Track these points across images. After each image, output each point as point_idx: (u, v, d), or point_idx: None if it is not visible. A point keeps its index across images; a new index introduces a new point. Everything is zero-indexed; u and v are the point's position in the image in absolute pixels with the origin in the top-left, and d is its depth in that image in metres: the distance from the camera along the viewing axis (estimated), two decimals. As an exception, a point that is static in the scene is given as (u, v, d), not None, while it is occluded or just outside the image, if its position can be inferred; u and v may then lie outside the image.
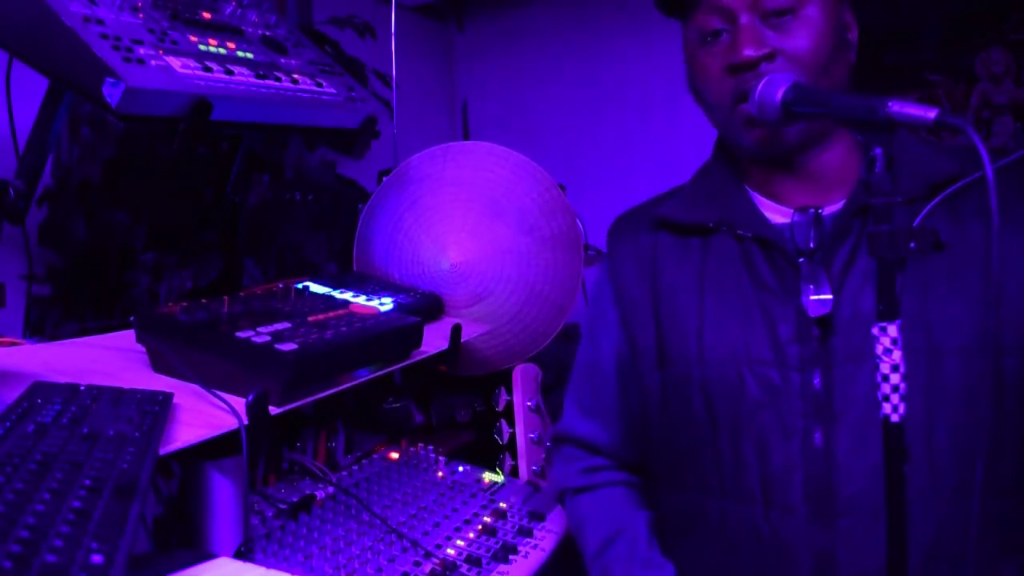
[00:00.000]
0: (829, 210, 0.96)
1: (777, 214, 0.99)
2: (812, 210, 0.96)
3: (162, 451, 0.81)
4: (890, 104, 0.70)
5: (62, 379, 0.90)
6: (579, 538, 1.11)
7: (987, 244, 0.90)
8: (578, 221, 1.65)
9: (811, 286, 0.92)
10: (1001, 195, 0.91)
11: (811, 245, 0.94)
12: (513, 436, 1.53)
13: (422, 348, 1.29)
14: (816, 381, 0.91)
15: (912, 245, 0.69)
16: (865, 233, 0.93)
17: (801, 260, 0.94)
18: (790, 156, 0.97)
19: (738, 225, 0.99)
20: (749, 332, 0.95)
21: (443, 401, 1.76)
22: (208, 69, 1.13)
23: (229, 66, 1.17)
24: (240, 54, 1.24)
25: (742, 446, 0.94)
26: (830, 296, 0.92)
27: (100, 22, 1.06)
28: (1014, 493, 0.90)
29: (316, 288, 1.43)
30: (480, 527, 1.23)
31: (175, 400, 0.91)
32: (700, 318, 0.98)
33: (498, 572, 1.12)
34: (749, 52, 0.91)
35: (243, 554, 0.99)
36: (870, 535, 0.88)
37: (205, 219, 1.75)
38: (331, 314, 1.19)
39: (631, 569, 1.01)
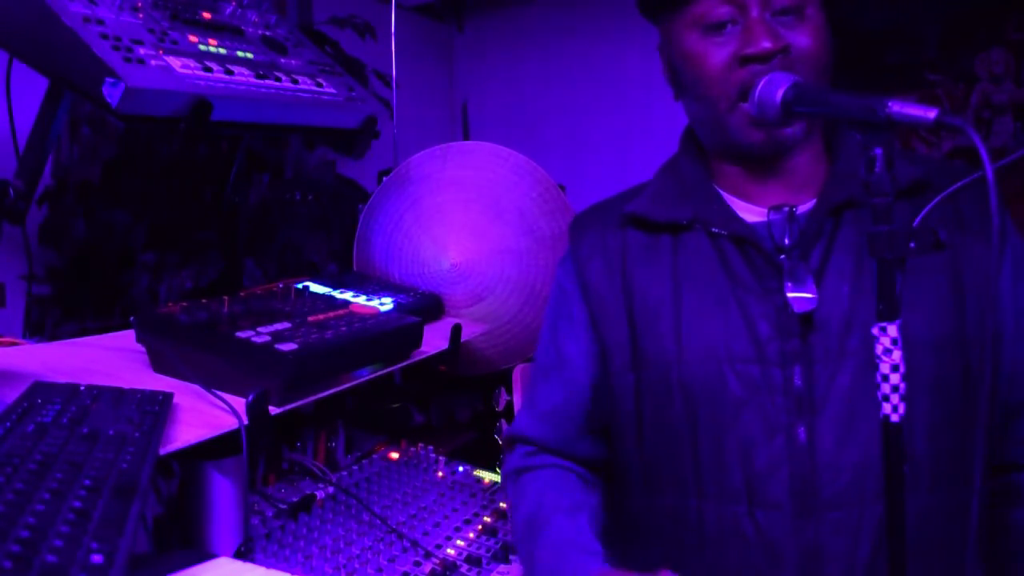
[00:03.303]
0: (800, 210, 0.97)
1: (748, 213, 0.99)
2: (787, 208, 0.96)
3: (162, 451, 0.81)
4: (890, 104, 0.70)
5: (62, 379, 0.91)
6: (512, 515, 1.06)
7: (951, 249, 0.92)
8: (578, 221, 1.65)
9: (789, 283, 0.93)
10: (962, 208, 0.94)
11: (787, 243, 0.95)
12: (513, 436, 1.52)
13: (422, 348, 1.29)
14: (797, 377, 0.92)
15: (912, 245, 0.69)
16: (838, 233, 0.95)
17: (782, 257, 0.94)
18: (777, 156, 0.98)
19: (712, 223, 0.98)
20: (728, 330, 0.95)
21: (443, 401, 1.76)
22: (208, 69, 1.13)
23: (229, 66, 1.17)
24: (240, 54, 1.24)
25: (724, 445, 0.94)
26: (813, 295, 0.92)
27: (100, 22, 1.06)
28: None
29: (316, 288, 1.43)
30: (480, 527, 1.23)
31: (175, 400, 0.91)
32: (677, 317, 0.97)
33: (498, 572, 1.12)
34: (767, 43, 0.89)
35: (243, 554, 0.99)
36: (858, 525, 0.89)
37: (205, 219, 1.75)
38: (331, 314, 1.19)
39: (563, 550, 0.95)
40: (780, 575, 0.91)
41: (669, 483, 0.98)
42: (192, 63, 1.12)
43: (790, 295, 0.92)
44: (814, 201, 0.98)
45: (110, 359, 1.10)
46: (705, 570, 0.95)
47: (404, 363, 1.27)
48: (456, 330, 1.41)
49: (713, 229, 0.98)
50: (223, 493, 1.02)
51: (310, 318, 1.15)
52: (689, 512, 0.96)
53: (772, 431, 0.92)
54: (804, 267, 0.93)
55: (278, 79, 1.25)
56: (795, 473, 0.91)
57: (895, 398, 0.71)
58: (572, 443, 1.08)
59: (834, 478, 0.90)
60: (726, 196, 1.01)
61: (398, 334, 1.23)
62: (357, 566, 1.06)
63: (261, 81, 1.20)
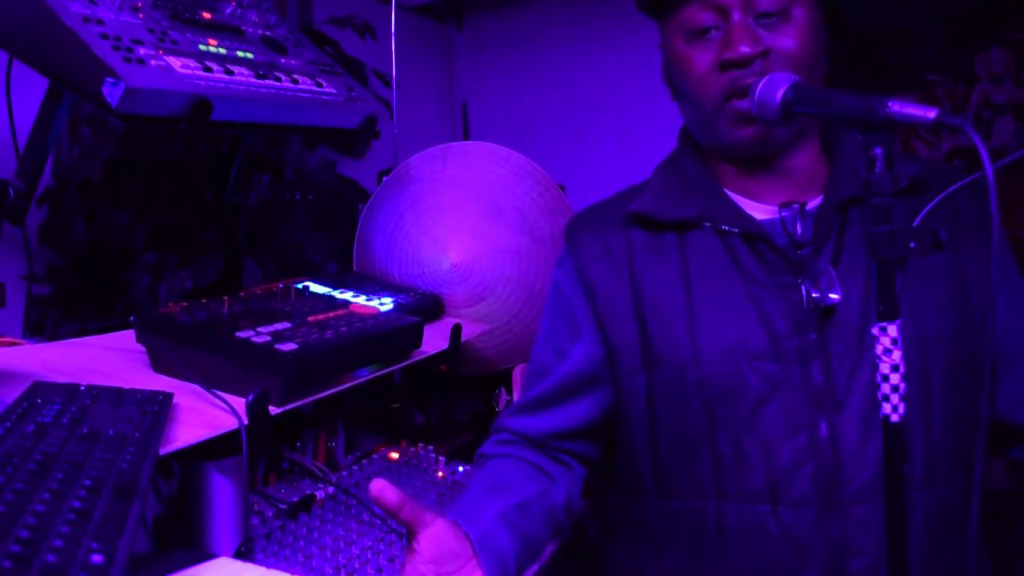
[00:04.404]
0: (808, 207, 0.98)
1: (755, 211, 0.99)
2: (796, 205, 0.96)
3: (162, 451, 0.81)
4: (890, 104, 0.70)
5: (62, 379, 0.91)
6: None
7: (951, 246, 0.92)
8: (578, 221, 1.65)
9: (808, 279, 0.93)
10: (958, 207, 0.95)
11: (798, 237, 0.95)
12: (513, 436, 1.52)
13: (422, 348, 1.29)
14: (816, 373, 0.92)
15: (912, 245, 0.69)
16: (846, 229, 0.95)
17: (803, 252, 0.95)
18: (772, 155, 0.98)
19: (721, 220, 0.98)
20: (745, 327, 0.94)
21: (443, 401, 1.76)
22: (208, 69, 1.13)
23: (229, 66, 1.17)
24: (240, 54, 1.24)
25: (744, 444, 0.93)
26: (838, 292, 0.92)
27: (100, 22, 1.06)
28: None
29: (316, 288, 1.43)
30: (480, 527, 1.23)
31: (175, 400, 0.91)
32: (690, 316, 0.97)
33: (498, 572, 1.12)
34: (745, 49, 0.91)
35: (243, 554, 0.99)
36: (883, 519, 0.89)
37: (205, 219, 1.75)
38: (331, 314, 1.19)
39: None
40: (806, 573, 0.91)
41: (685, 485, 0.97)
42: (192, 63, 1.12)
43: (814, 291, 0.93)
44: (821, 198, 0.98)
45: (110, 359, 1.10)
46: (726, 571, 0.94)
47: (404, 363, 1.27)
48: (456, 330, 1.41)
49: (723, 227, 0.98)
50: (223, 493, 1.02)
51: (310, 318, 1.15)
52: (707, 514, 0.95)
53: (795, 428, 0.92)
54: (823, 261, 0.94)
55: (278, 79, 1.25)
56: (819, 469, 0.91)
57: (895, 398, 0.71)
58: (556, 439, 1.07)
59: (858, 473, 0.90)
60: (731, 194, 1.01)
61: (398, 334, 1.23)
62: (357, 566, 1.06)
63: (261, 81, 1.20)
